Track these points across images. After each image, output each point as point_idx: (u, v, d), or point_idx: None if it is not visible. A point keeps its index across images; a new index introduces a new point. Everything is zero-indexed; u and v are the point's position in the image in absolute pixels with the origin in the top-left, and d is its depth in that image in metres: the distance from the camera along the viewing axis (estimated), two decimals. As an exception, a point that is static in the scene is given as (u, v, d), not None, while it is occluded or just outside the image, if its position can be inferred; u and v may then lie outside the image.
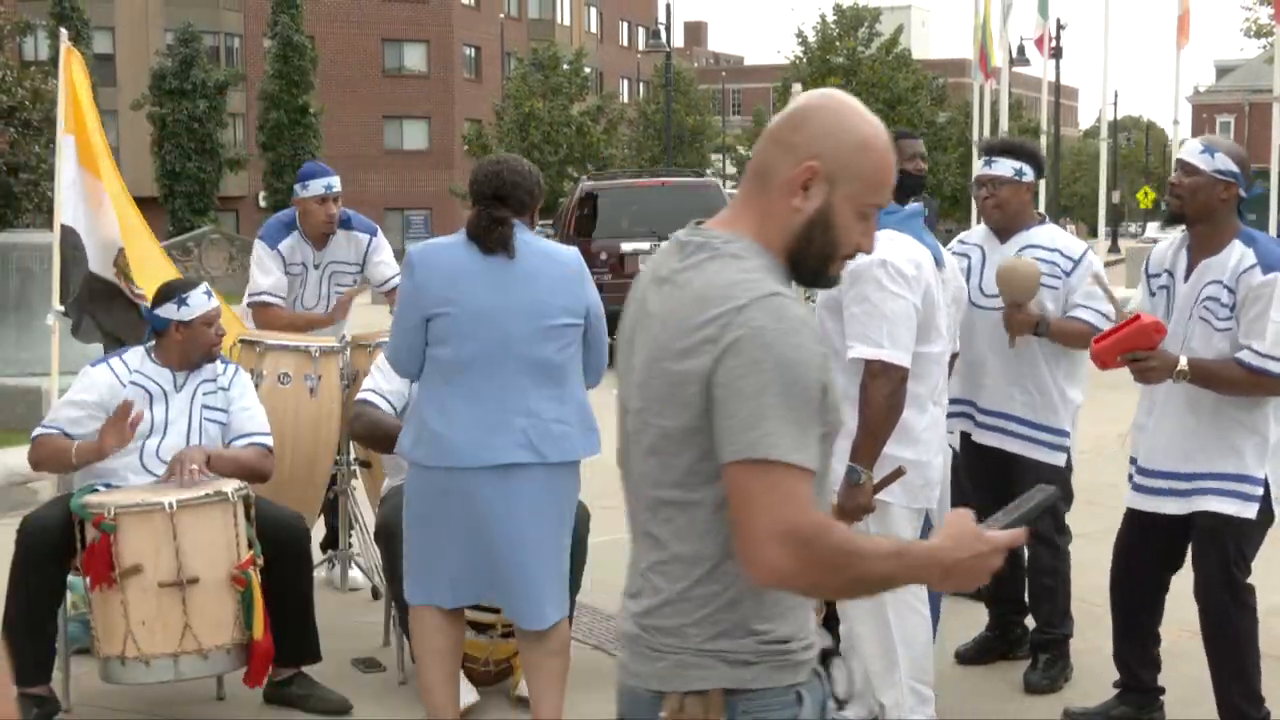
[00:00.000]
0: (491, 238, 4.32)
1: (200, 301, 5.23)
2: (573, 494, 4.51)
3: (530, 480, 4.32)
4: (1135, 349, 4.35)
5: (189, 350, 5.21)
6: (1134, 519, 4.75)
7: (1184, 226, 4.59)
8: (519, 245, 4.35)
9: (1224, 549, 4.51)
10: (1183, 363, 4.35)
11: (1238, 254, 4.41)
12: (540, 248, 4.44)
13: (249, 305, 6.59)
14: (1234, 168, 4.45)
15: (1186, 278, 4.54)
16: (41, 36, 37.23)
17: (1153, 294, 4.68)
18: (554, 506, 4.40)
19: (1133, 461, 4.76)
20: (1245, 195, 4.49)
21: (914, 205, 4.51)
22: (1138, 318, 4.41)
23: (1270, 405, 4.46)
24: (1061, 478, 5.25)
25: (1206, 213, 4.48)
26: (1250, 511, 4.46)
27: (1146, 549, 4.76)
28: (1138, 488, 4.66)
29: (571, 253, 4.53)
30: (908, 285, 4.22)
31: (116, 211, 6.13)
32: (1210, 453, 4.47)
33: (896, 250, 4.26)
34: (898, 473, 4.24)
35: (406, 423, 4.52)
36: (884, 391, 4.16)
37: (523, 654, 4.58)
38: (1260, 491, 4.45)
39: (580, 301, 4.42)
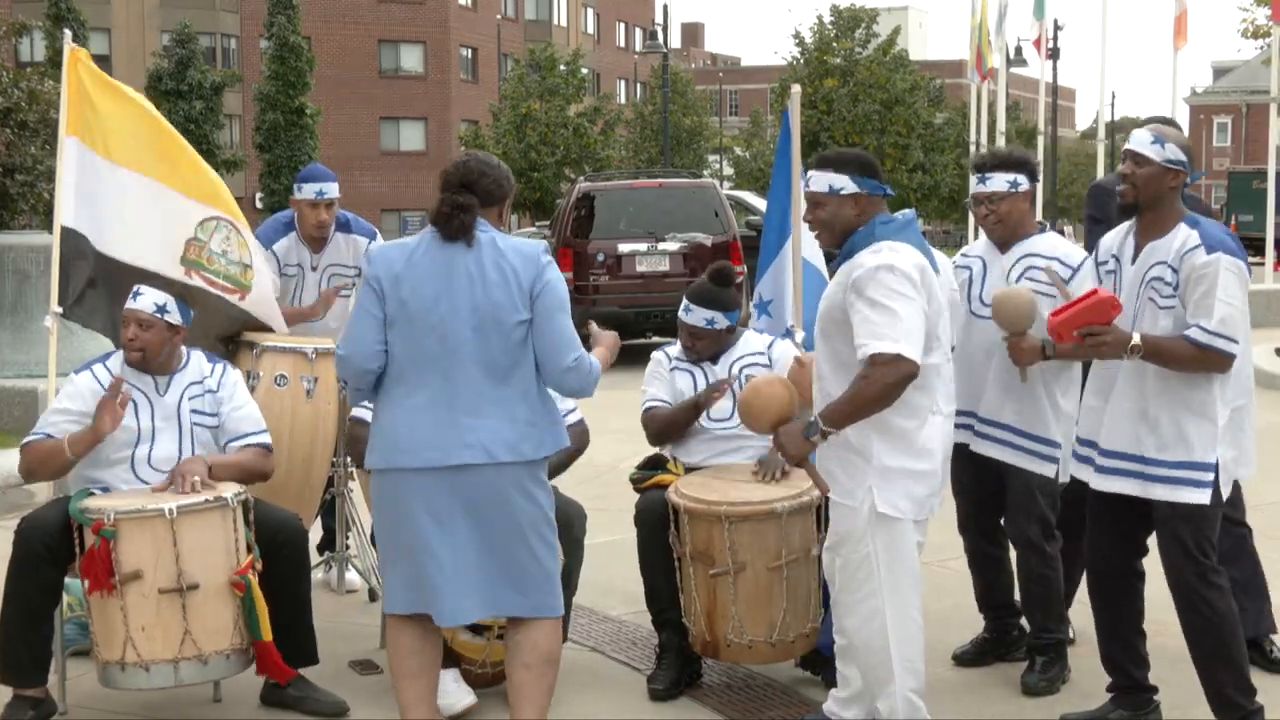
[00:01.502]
0: (452, 225, 4.24)
1: (128, 301, 5.22)
2: (535, 494, 4.34)
3: (482, 481, 4.24)
4: (1091, 323, 4.43)
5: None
6: (1097, 505, 4.79)
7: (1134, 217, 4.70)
8: (479, 240, 4.26)
9: (1183, 535, 4.55)
10: (1135, 338, 4.42)
11: (1182, 236, 4.51)
12: (499, 244, 4.29)
13: None
14: (1183, 157, 4.56)
15: (1134, 260, 4.63)
16: (38, 37, 37.22)
17: (1100, 280, 4.76)
18: (507, 507, 4.27)
19: (1080, 441, 4.81)
20: (1190, 181, 4.59)
21: (908, 213, 4.55)
22: (1095, 292, 4.48)
23: (1217, 389, 4.50)
24: (1051, 488, 5.27)
25: (1156, 200, 4.58)
26: (1204, 497, 4.50)
27: (1113, 536, 4.80)
28: (1099, 469, 4.69)
29: (532, 246, 4.35)
30: (914, 288, 4.28)
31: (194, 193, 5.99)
32: (1161, 440, 4.53)
33: (900, 257, 4.32)
34: (822, 491, 4.47)
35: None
36: (888, 379, 4.20)
37: (506, 665, 4.52)
38: (1211, 477, 4.50)
39: (528, 296, 4.26)
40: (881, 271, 4.25)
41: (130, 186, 5.81)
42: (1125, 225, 4.75)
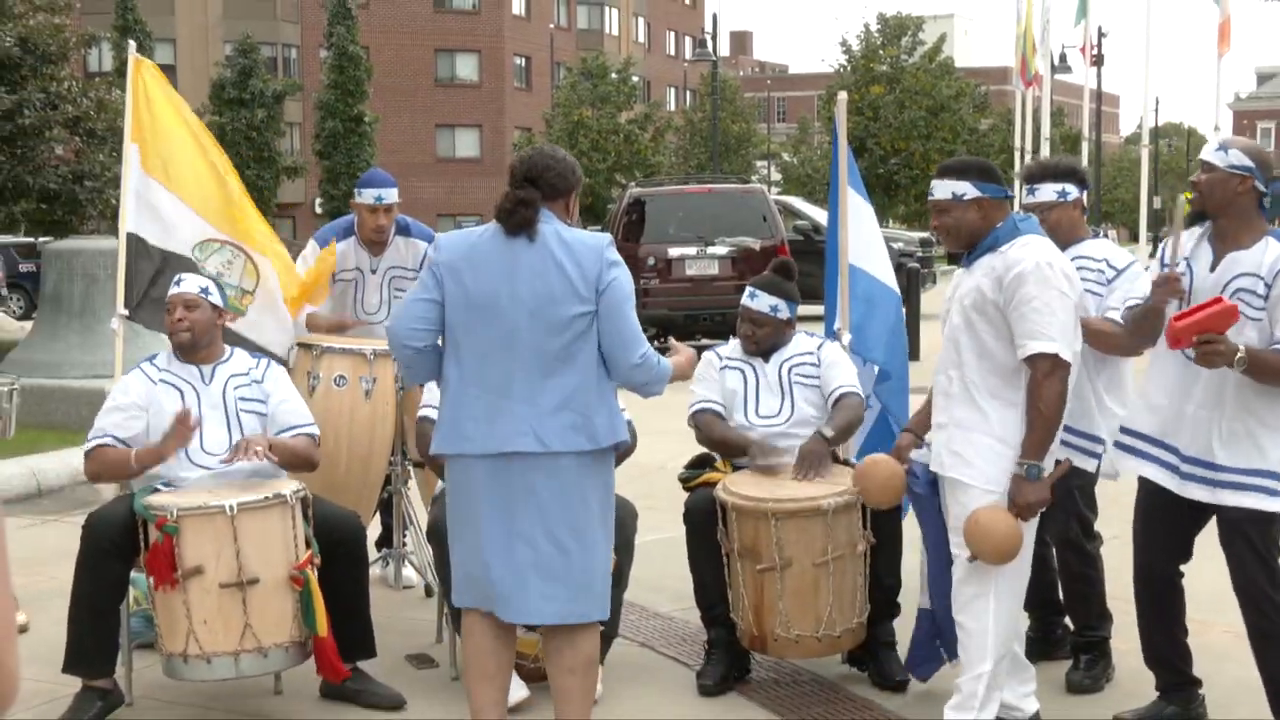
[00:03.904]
0: (514, 219, 4.22)
1: (171, 288, 5.35)
2: (588, 487, 4.27)
3: (533, 470, 4.20)
4: (1212, 330, 4.33)
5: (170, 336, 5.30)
6: (1152, 506, 4.76)
7: (1207, 221, 4.66)
8: (543, 233, 4.24)
9: (1252, 540, 4.53)
10: (1241, 350, 4.36)
11: (1275, 250, 4.48)
12: (564, 236, 4.26)
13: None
14: (1247, 162, 4.52)
15: (1212, 269, 4.57)
16: (105, 48, 37.58)
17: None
18: (560, 498, 4.22)
19: (1153, 442, 4.73)
20: (1265, 190, 4.54)
21: (1033, 216, 4.68)
22: (1219, 300, 4.39)
23: None
24: (1087, 478, 5.23)
25: (1225, 206, 4.55)
26: (1275, 505, 4.47)
27: (1165, 539, 4.77)
28: (1174, 471, 4.63)
29: (596, 239, 4.32)
30: (1070, 285, 4.40)
31: (210, 212, 6.15)
32: (1235, 447, 4.50)
33: (1056, 253, 4.44)
34: (1065, 466, 4.43)
35: None
36: (1057, 389, 4.32)
37: (548, 669, 4.47)
38: None
39: (592, 289, 4.20)
40: (1044, 267, 4.34)
41: (154, 190, 6.01)
42: (1198, 230, 4.70)
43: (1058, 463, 4.42)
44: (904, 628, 5.39)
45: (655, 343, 17.41)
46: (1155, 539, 4.80)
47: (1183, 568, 4.85)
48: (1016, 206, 5.51)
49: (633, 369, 4.30)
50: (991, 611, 4.44)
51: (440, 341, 4.36)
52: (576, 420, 4.22)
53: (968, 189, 4.50)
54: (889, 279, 6.33)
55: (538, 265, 4.22)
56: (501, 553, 4.25)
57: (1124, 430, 4.82)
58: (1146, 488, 4.79)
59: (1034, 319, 4.30)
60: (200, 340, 5.26)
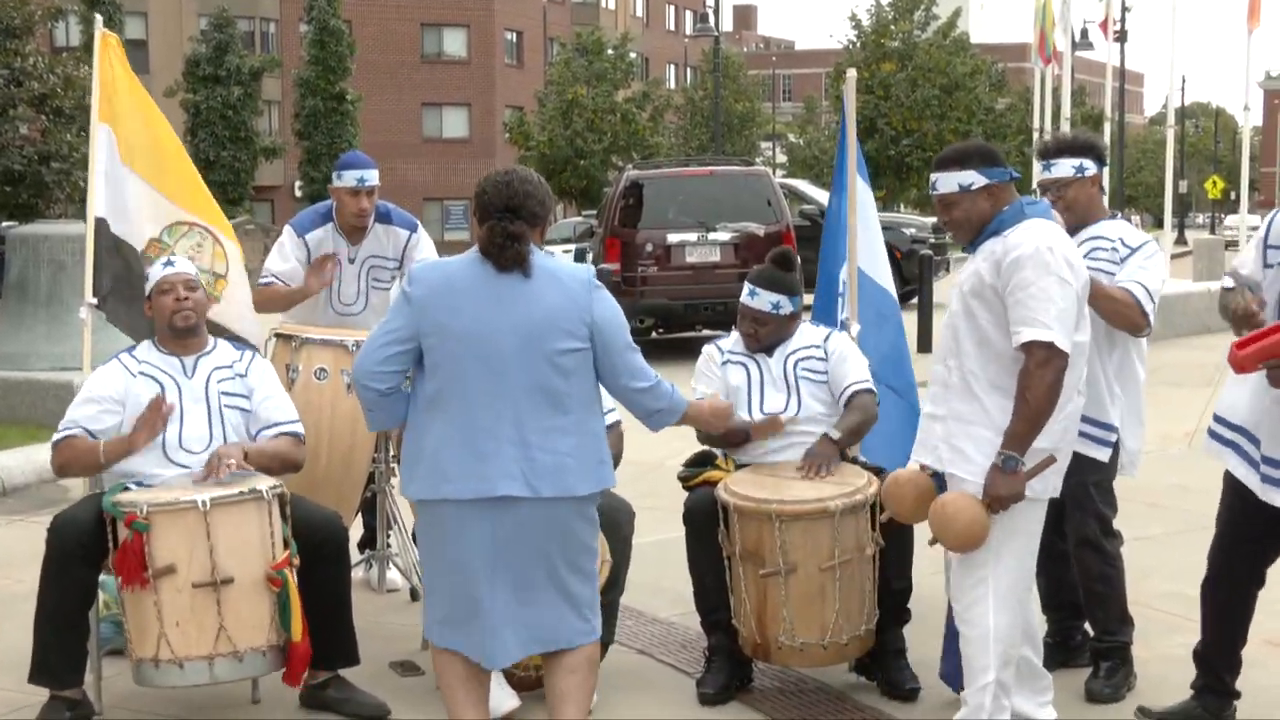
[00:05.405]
0: (506, 255, 4.19)
1: (155, 272, 5.35)
2: (577, 531, 4.31)
3: (520, 515, 4.20)
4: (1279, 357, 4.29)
5: (162, 323, 5.28)
6: (1236, 502, 4.72)
7: None
8: (531, 264, 4.23)
9: None
10: None
11: None
12: (545, 266, 4.27)
13: (257, 286, 6.64)
14: None
15: None
16: (73, 22, 37.54)
17: (1269, 265, 4.67)
18: (545, 545, 4.24)
19: (1220, 420, 4.73)
20: None
21: (1043, 199, 4.68)
22: None
23: None
24: (1104, 473, 5.23)
25: None
26: None
27: (1243, 541, 4.75)
28: (1254, 465, 4.61)
29: (579, 270, 4.35)
30: (1073, 272, 4.38)
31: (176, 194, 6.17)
32: None
33: (1059, 239, 4.42)
34: (1048, 462, 4.39)
35: (403, 457, 4.42)
36: (1049, 380, 4.30)
37: (546, 671, 4.49)
38: None
39: (582, 324, 4.25)
40: (1043, 252, 4.33)
41: (126, 179, 6.02)
42: None
43: (1051, 459, 4.40)
44: (915, 633, 5.40)
45: (653, 334, 17.44)
46: (1234, 542, 4.78)
47: (1264, 578, 4.81)
48: (1034, 185, 5.51)
49: (639, 393, 4.36)
50: (991, 612, 4.44)
51: (408, 384, 4.36)
52: (568, 463, 4.23)
53: (974, 178, 4.49)
54: (891, 288, 6.35)
55: (526, 298, 4.21)
56: (494, 598, 4.24)
57: (1216, 418, 4.79)
58: (1232, 484, 4.76)
59: (1030, 305, 4.29)
60: (199, 323, 5.30)
